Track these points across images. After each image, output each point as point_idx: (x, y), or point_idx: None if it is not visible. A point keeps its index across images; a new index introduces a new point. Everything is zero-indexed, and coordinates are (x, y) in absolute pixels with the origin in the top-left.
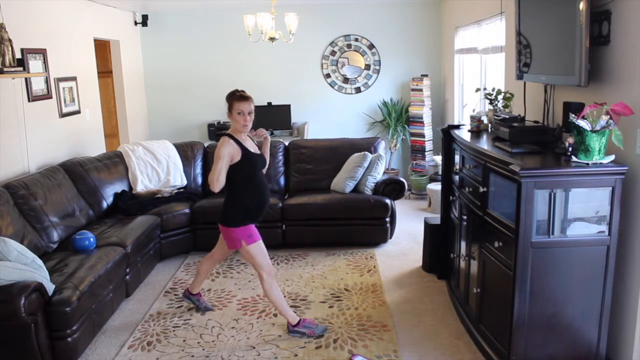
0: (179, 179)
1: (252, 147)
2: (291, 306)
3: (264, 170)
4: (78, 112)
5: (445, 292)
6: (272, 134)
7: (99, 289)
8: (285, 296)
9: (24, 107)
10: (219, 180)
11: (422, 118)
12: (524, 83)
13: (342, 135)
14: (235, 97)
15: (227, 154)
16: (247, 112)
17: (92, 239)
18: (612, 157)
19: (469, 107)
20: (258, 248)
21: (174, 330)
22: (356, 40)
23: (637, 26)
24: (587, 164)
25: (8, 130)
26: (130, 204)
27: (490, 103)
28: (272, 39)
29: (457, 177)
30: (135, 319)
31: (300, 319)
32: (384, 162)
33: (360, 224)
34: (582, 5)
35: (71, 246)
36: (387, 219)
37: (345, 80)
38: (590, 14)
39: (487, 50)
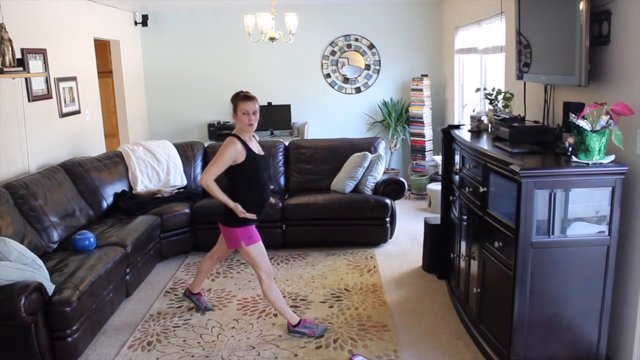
0: (179, 179)
1: (257, 148)
2: (291, 306)
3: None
4: (78, 112)
5: (445, 292)
6: (272, 134)
7: (99, 289)
8: (285, 296)
9: (24, 107)
10: (210, 178)
11: (422, 118)
12: (524, 83)
13: (342, 135)
14: (240, 97)
15: (230, 157)
16: (252, 111)
17: (92, 239)
18: (612, 157)
19: (469, 107)
20: (258, 249)
21: (174, 330)
22: (356, 40)
23: (637, 26)
24: (587, 164)
25: (8, 130)
26: (130, 204)
27: (490, 103)
28: (272, 39)
29: (457, 177)
30: (135, 319)
31: (300, 319)
32: (384, 162)
33: (360, 224)
34: (582, 5)
35: (71, 246)
36: (387, 219)
37: (345, 80)
38: (590, 14)
39: (487, 50)
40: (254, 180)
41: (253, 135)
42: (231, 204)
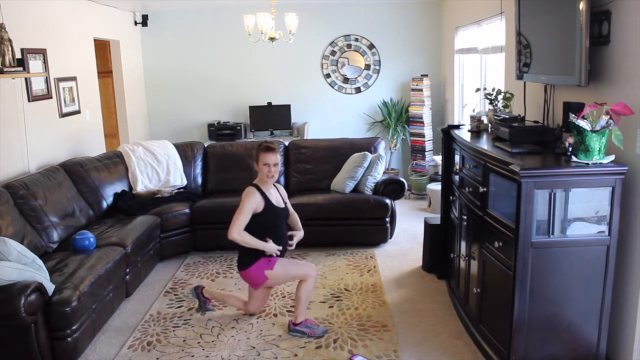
0: (179, 179)
1: (276, 199)
2: (292, 306)
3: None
4: (78, 112)
5: (445, 292)
6: (272, 134)
7: (99, 289)
8: (285, 296)
9: (24, 107)
10: (237, 231)
11: (422, 118)
12: (524, 83)
13: (342, 135)
14: (262, 149)
15: (250, 207)
16: (273, 164)
17: (92, 239)
18: (612, 157)
19: (469, 107)
20: (283, 264)
21: (174, 330)
22: (356, 40)
23: (637, 26)
24: (587, 164)
25: (8, 130)
26: (130, 204)
27: (490, 103)
28: (272, 39)
29: (457, 177)
30: (135, 319)
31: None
32: (384, 162)
33: (360, 224)
34: (582, 5)
35: (71, 246)
36: (387, 219)
37: (345, 80)
38: (590, 14)
39: (487, 50)
40: (271, 231)
41: (275, 185)
42: (264, 245)
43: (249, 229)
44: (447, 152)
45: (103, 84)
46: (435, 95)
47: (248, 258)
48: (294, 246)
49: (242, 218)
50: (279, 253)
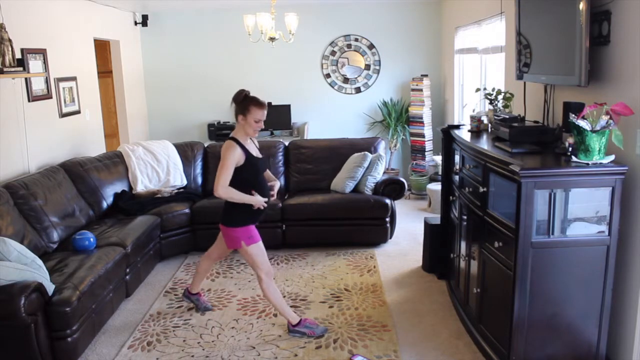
0: (179, 179)
1: (255, 151)
2: (291, 306)
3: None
4: (78, 112)
5: (445, 292)
6: (272, 134)
7: (99, 289)
8: (285, 296)
9: (24, 107)
10: (223, 186)
11: (422, 118)
12: (524, 83)
13: (342, 135)
14: (254, 103)
15: (233, 161)
16: (263, 119)
17: (92, 239)
18: (612, 157)
19: (469, 107)
20: (258, 249)
21: (174, 330)
22: (356, 40)
23: (637, 26)
24: (587, 164)
25: (8, 130)
26: (130, 204)
27: (490, 103)
28: (272, 39)
29: (457, 177)
30: (135, 319)
31: (300, 319)
32: (384, 162)
33: (360, 224)
34: (582, 5)
35: (71, 246)
36: (387, 219)
37: (345, 80)
38: (590, 14)
39: (487, 50)
40: (254, 183)
41: (250, 138)
42: (252, 198)
43: (231, 183)
44: (447, 152)
45: (103, 84)
46: (435, 95)
47: (236, 218)
48: (275, 195)
49: (225, 173)
50: (266, 205)
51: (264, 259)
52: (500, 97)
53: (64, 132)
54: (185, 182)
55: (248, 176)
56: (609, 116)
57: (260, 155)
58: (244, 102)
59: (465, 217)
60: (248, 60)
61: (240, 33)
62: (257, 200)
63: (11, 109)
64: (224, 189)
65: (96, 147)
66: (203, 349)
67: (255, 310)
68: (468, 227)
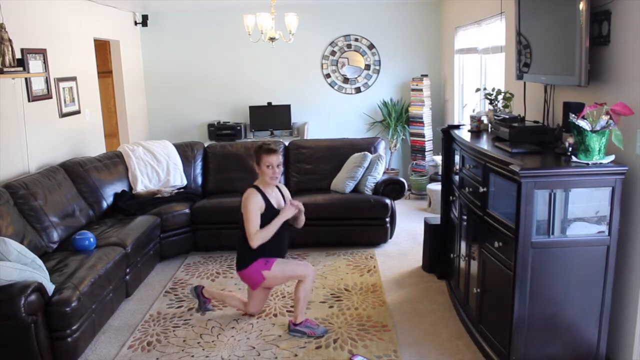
0: (179, 179)
1: (276, 201)
2: (291, 306)
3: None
4: (78, 112)
5: (445, 292)
6: (272, 134)
7: (99, 289)
8: (285, 296)
9: (24, 107)
10: (254, 234)
11: (422, 118)
12: (524, 83)
13: (342, 135)
14: (264, 150)
15: (256, 209)
16: (276, 164)
17: (92, 239)
18: (612, 157)
19: (469, 107)
20: (280, 265)
21: (174, 330)
22: (356, 40)
23: (637, 26)
24: (587, 164)
25: (8, 130)
26: (130, 204)
27: (490, 103)
28: (272, 39)
29: (457, 177)
30: (135, 319)
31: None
32: (384, 162)
33: (360, 224)
34: (582, 6)
35: (71, 246)
36: (387, 219)
37: (345, 80)
38: (590, 14)
39: (487, 50)
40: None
41: (277, 186)
42: (281, 216)
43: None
44: (447, 152)
45: (103, 84)
46: (435, 95)
47: (246, 258)
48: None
49: (253, 223)
50: (299, 209)
51: (295, 265)
52: (500, 97)
53: (64, 132)
54: (185, 182)
55: (264, 225)
56: (609, 116)
57: (282, 206)
58: (256, 152)
59: (465, 217)
60: (248, 60)
61: (240, 33)
62: (287, 213)
63: (11, 109)
64: (257, 236)
65: (96, 147)
66: (203, 349)
67: None
68: (468, 227)
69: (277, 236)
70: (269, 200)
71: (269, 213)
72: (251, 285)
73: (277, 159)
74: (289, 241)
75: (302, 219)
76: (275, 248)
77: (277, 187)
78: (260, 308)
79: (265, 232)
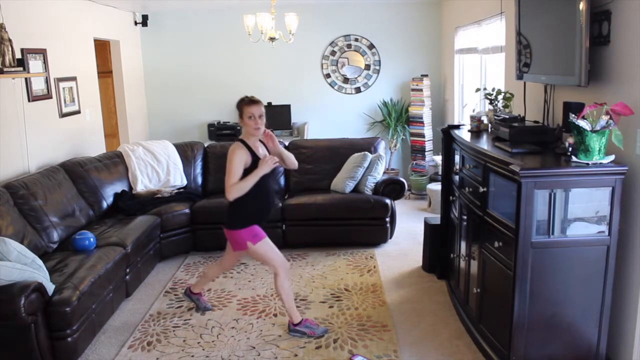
0: (179, 179)
1: (263, 153)
2: None
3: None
4: (78, 112)
5: (445, 292)
6: None
7: (99, 289)
8: None
9: (24, 107)
10: (231, 187)
11: (422, 118)
12: (524, 83)
13: (342, 135)
14: (245, 102)
15: (239, 163)
16: (258, 115)
17: (92, 239)
18: (612, 157)
19: (469, 107)
20: (266, 245)
21: (174, 330)
22: (356, 40)
23: (637, 26)
24: (587, 164)
25: (8, 130)
26: (130, 204)
27: (490, 103)
28: (272, 39)
29: (457, 177)
30: (135, 319)
31: (302, 319)
32: (384, 162)
33: (360, 224)
34: (582, 5)
35: (71, 246)
36: (387, 219)
37: (345, 80)
38: (590, 14)
39: (487, 50)
40: (259, 186)
41: (260, 140)
42: (259, 169)
43: None
44: (447, 152)
45: (103, 84)
46: (435, 95)
47: (239, 220)
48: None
49: (232, 176)
50: (276, 162)
51: (275, 253)
52: (500, 97)
53: (64, 132)
54: (185, 182)
55: None
56: (609, 116)
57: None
58: (238, 105)
59: (465, 217)
60: (248, 61)
61: (240, 33)
62: (266, 166)
63: (11, 109)
64: (233, 189)
65: (96, 147)
66: (203, 349)
67: (255, 310)
68: (468, 227)
69: (259, 193)
70: (256, 154)
71: (257, 164)
72: (233, 246)
73: (259, 110)
74: (275, 204)
75: (288, 157)
76: (258, 205)
77: (262, 142)
78: (233, 265)
79: (242, 184)
